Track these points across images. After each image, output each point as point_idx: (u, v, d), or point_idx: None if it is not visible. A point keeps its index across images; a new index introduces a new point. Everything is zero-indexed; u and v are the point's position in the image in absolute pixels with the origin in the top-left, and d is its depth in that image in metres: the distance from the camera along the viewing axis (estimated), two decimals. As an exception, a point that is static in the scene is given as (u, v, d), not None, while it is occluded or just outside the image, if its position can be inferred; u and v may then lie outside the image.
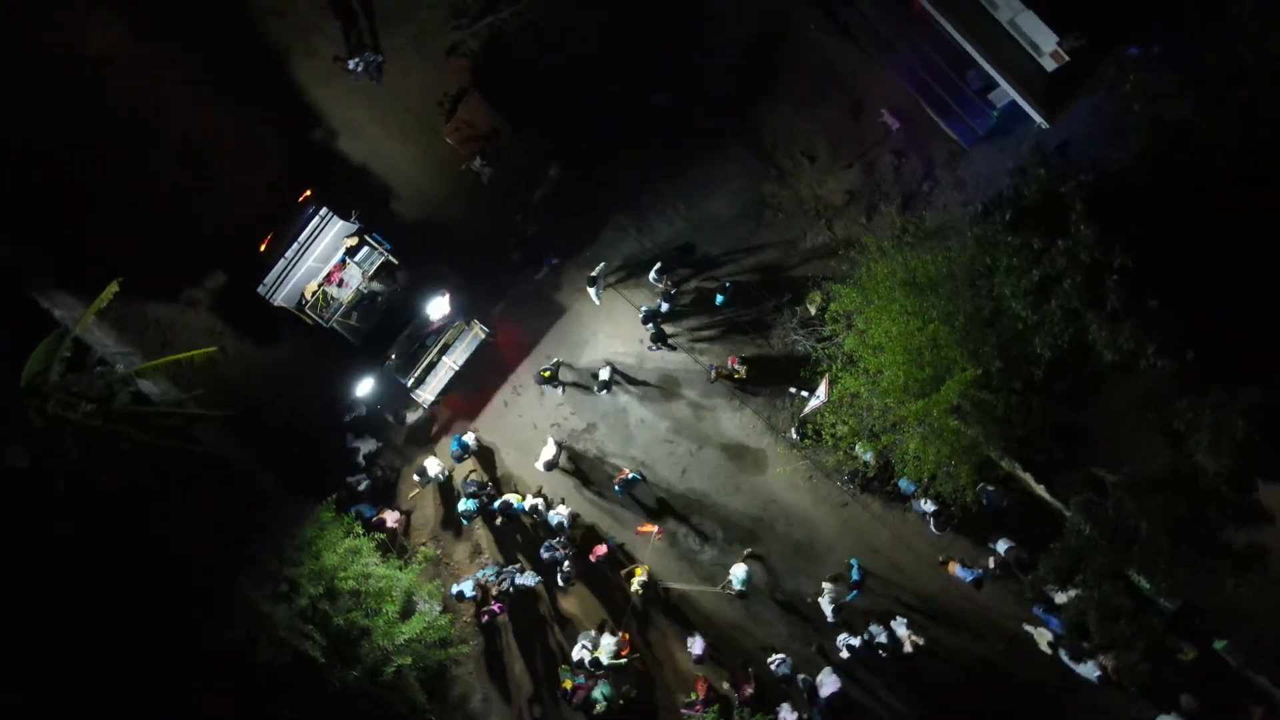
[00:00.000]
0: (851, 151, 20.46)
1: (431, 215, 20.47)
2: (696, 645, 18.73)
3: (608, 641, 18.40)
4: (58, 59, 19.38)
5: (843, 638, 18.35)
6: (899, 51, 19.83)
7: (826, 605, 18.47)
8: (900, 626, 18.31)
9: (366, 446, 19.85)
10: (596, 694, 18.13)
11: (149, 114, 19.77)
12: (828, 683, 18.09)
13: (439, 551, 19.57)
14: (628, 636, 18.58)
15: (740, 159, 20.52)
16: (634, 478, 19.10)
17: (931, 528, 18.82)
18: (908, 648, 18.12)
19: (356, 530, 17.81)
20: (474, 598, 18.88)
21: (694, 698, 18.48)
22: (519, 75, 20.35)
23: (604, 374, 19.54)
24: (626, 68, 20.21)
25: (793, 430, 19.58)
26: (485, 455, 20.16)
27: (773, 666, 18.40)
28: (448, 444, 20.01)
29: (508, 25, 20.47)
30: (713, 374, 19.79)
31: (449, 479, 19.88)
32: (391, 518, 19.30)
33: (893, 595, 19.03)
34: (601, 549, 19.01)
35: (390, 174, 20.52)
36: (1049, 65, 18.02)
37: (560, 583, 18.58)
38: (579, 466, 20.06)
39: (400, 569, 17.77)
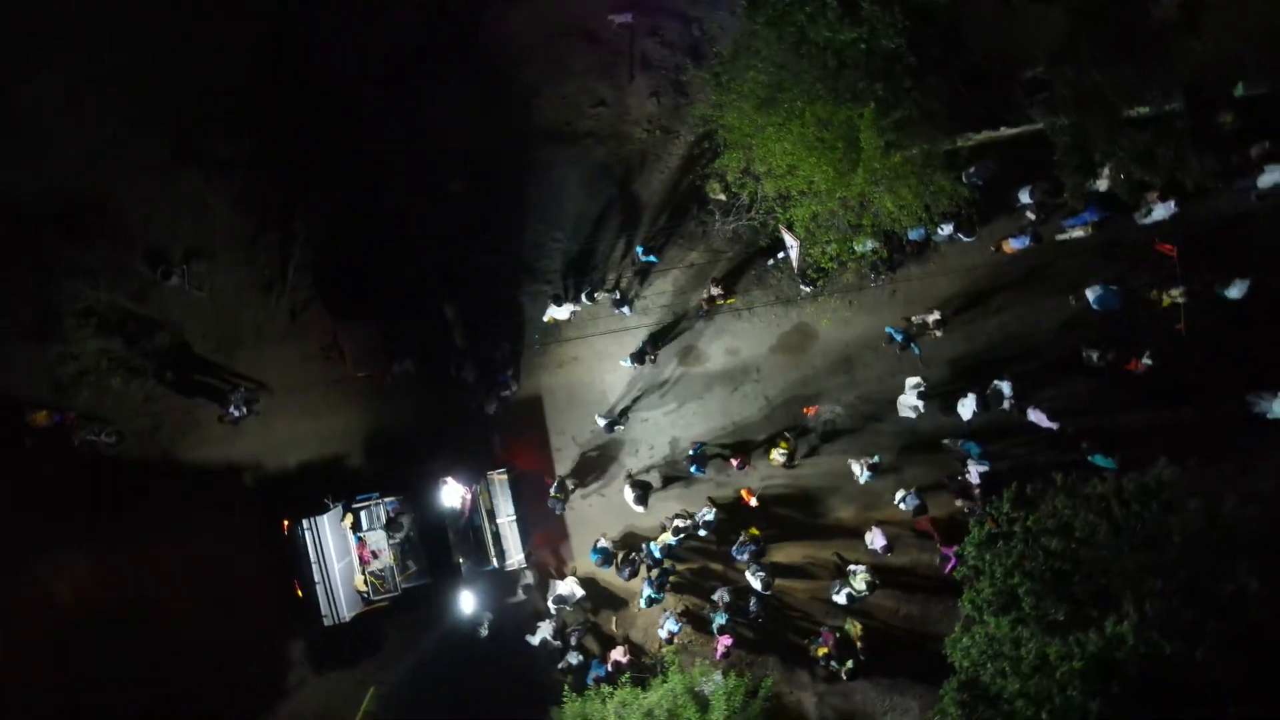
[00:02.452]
0: (622, 67, 20.51)
1: (390, 437, 20.54)
2: (878, 539, 18.64)
3: (856, 570, 18.40)
4: (57, 628, 19.40)
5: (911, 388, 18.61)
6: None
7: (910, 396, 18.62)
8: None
9: (543, 631, 19.77)
10: (846, 627, 18.45)
11: (142, 598, 19.75)
12: (1038, 417, 17.96)
13: (682, 640, 19.51)
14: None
15: (557, 159, 20.55)
16: (696, 450, 19.43)
17: (964, 239, 18.83)
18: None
19: (605, 691, 17.76)
20: (682, 628, 19.15)
21: (943, 561, 18.49)
22: (356, 276, 20.33)
23: (601, 422, 19.84)
24: (411, 184, 20.24)
25: (802, 287, 19.60)
26: (629, 539, 20.22)
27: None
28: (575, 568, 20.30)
29: (307, 254, 20.49)
30: (704, 307, 19.97)
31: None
32: (619, 654, 19.26)
33: (986, 312, 19.14)
34: (735, 461, 19.33)
35: (334, 441, 20.59)
36: None
37: (763, 589, 18.43)
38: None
39: (664, 680, 17.69)
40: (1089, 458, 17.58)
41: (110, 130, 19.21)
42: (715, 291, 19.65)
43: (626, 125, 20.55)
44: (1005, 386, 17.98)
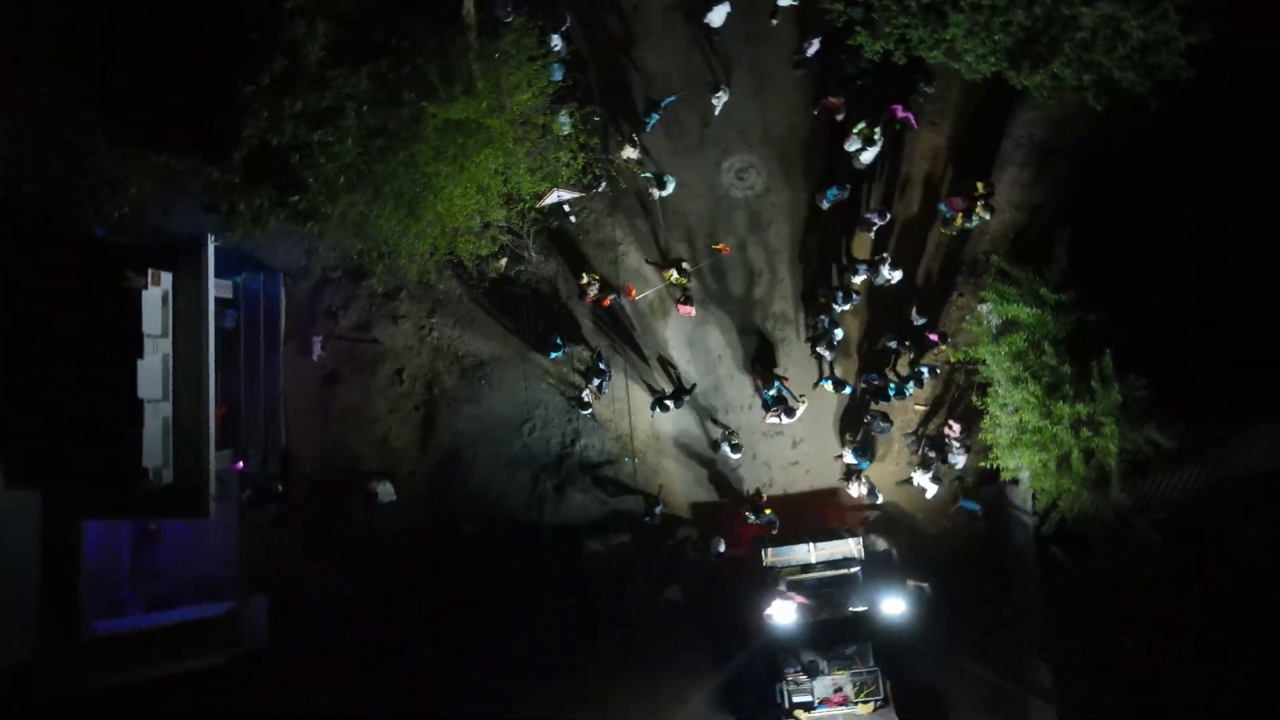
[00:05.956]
0: (364, 350, 20.79)
1: (721, 655, 19.84)
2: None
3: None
4: None
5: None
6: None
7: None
8: None
9: (923, 485, 19.56)
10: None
11: None
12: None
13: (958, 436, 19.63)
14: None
15: (436, 427, 20.71)
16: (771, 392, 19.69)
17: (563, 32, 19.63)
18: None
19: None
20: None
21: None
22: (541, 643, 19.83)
23: (727, 448, 20.00)
24: (458, 568, 20.08)
25: (600, 191, 20.02)
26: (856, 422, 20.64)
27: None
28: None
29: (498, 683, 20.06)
30: (622, 297, 20.47)
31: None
32: (955, 431, 19.65)
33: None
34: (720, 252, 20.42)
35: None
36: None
37: (921, 384, 19.77)
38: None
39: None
40: None
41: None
42: (593, 291, 19.86)
43: (423, 350, 20.90)
44: None
